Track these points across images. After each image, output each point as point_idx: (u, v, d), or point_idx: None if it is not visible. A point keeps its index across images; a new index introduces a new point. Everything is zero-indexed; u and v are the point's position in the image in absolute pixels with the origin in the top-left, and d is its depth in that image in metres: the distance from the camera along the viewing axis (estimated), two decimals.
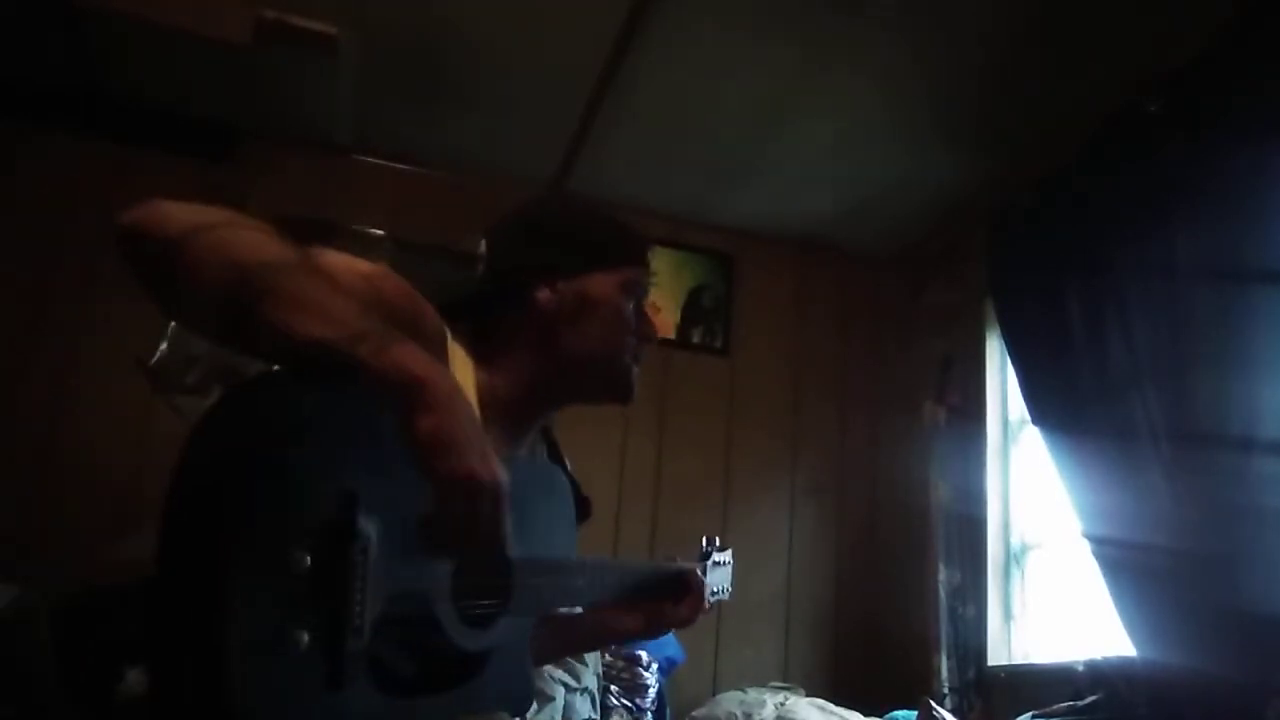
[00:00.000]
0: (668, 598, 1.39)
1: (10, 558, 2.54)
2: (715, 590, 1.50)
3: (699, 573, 1.43)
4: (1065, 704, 2.23)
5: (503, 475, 0.89)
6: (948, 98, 2.83)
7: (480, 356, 1.22)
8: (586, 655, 2.66)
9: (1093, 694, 2.19)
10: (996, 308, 3.01)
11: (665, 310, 3.57)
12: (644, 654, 2.81)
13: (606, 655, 2.77)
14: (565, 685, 2.59)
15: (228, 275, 0.85)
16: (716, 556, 1.52)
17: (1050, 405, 2.67)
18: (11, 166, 3.02)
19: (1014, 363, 2.87)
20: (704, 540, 1.53)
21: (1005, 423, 3.16)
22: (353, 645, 0.87)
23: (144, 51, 2.88)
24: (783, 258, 3.74)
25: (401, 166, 3.37)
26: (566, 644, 1.48)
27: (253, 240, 0.88)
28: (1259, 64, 2.19)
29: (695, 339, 3.58)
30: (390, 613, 0.92)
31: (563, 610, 1.35)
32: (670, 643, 2.94)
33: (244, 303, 0.85)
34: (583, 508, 1.34)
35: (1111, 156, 2.57)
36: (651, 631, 1.40)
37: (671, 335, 3.55)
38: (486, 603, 1.06)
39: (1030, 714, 2.25)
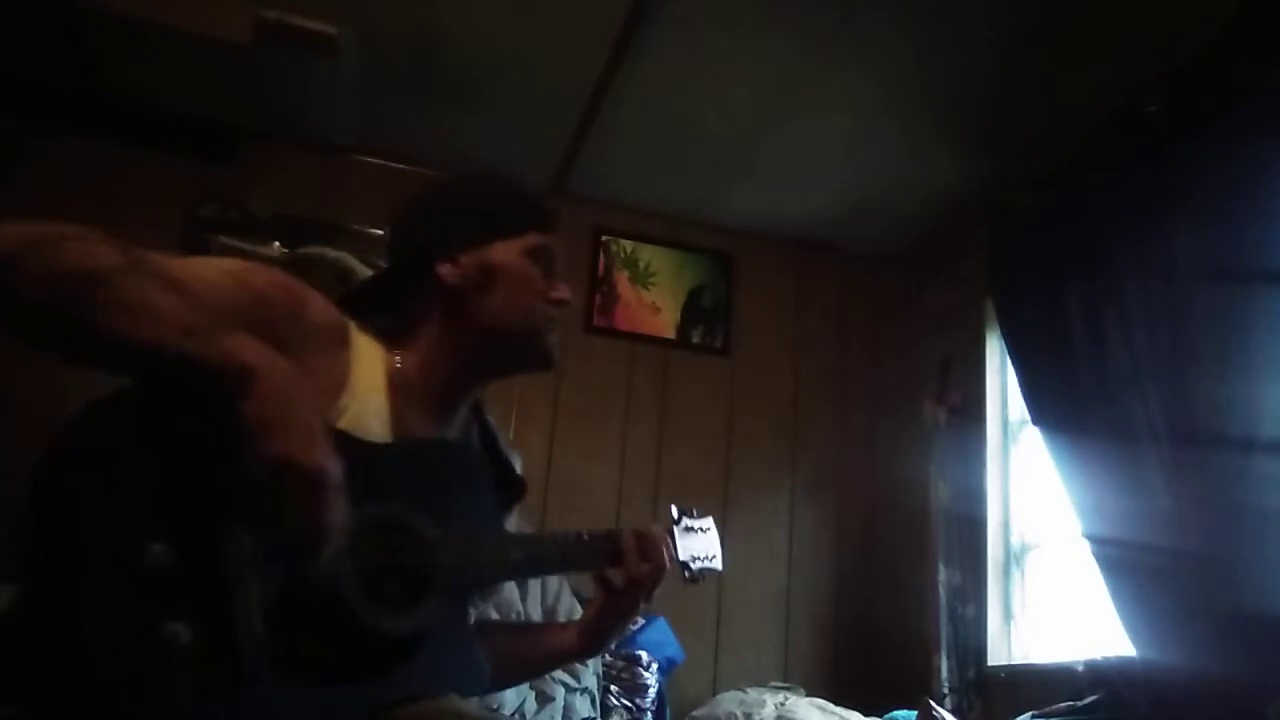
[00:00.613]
0: (607, 563, 1.28)
1: (10, 558, 2.53)
2: (696, 558, 1.42)
3: (655, 536, 1.30)
4: (1065, 704, 2.22)
5: (329, 463, 0.89)
6: (948, 98, 2.83)
7: (393, 343, 1.21)
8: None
9: (1093, 694, 2.19)
10: (996, 308, 3.01)
11: (665, 310, 3.57)
12: (644, 654, 2.81)
13: (606, 655, 2.77)
14: (565, 685, 2.59)
15: (56, 290, 0.86)
16: (689, 522, 1.45)
17: (1050, 405, 2.67)
18: (12, 166, 3.02)
19: (1014, 363, 2.87)
20: (673, 509, 1.45)
21: (1005, 423, 3.16)
22: (245, 633, 0.87)
23: (144, 51, 2.88)
24: (783, 257, 3.74)
25: (401, 166, 3.37)
26: (540, 654, 1.37)
27: (81, 252, 0.89)
28: (1259, 64, 2.19)
29: (695, 339, 3.58)
30: (289, 600, 0.91)
31: (504, 584, 1.31)
32: (670, 643, 2.94)
33: (73, 315, 0.87)
34: (516, 487, 1.33)
35: (1111, 156, 2.57)
36: (617, 600, 1.28)
37: (671, 335, 3.55)
38: (407, 583, 1.04)
39: (1030, 714, 2.24)
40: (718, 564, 1.47)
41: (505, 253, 1.24)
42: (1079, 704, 2.19)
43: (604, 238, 3.56)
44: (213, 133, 3.21)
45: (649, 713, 2.78)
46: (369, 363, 1.16)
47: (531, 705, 2.51)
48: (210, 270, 1.03)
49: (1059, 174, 2.76)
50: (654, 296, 3.56)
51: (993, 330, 3.15)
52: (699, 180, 3.40)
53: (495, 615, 2.40)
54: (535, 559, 1.25)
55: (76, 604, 0.82)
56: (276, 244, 3.02)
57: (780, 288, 3.72)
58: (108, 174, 3.07)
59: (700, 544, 1.45)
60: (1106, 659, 2.27)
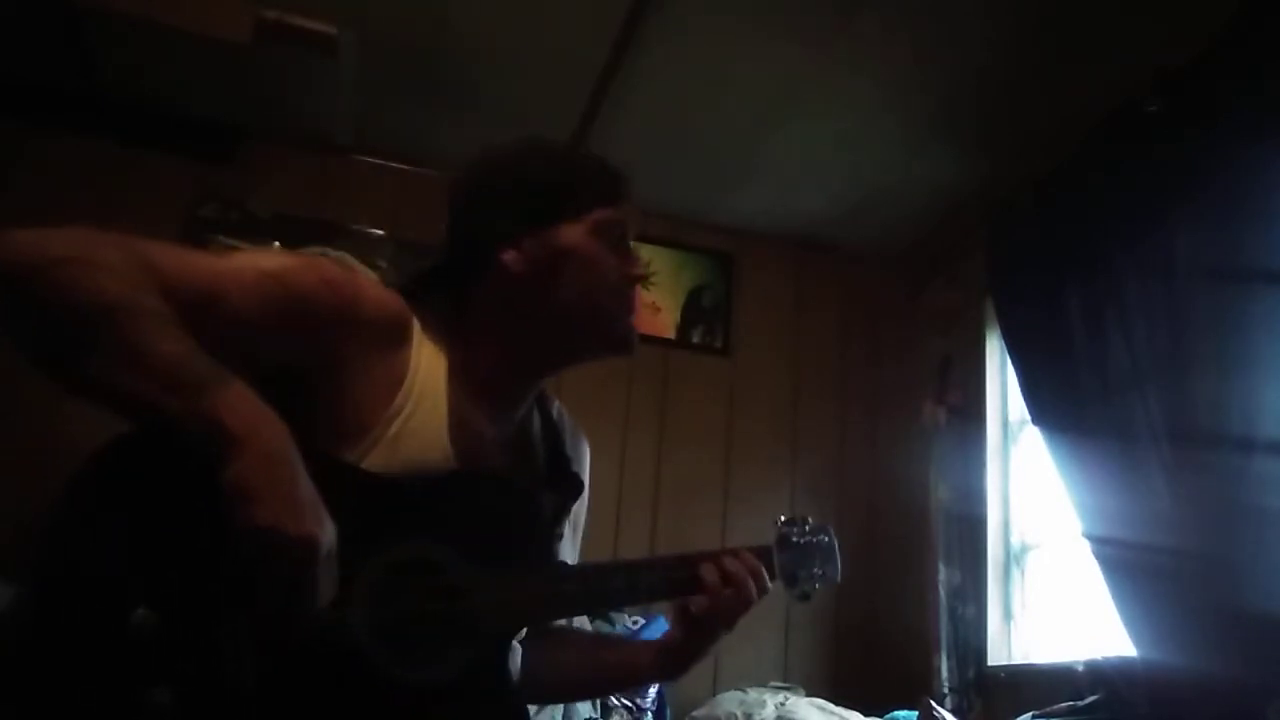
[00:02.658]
0: (684, 591, 1.15)
1: (10, 558, 2.53)
2: (802, 573, 1.27)
3: (742, 561, 1.17)
4: (1065, 704, 2.23)
5: (319, 531, 0.83)
6: (948, 98, 2.83)
7: (456, 335, 1.13)
8: None
9: (1093, 694, 2.19)
10: (996, 308, 3.01)
11: (665, 310, 3.57)
12: None
13: None
14: None
15: (54, 325, 0.83)
16: (796, 536, 1.29)
17: (1050, 405, 2.67)
18: (12, 166, 3.02)
19: (1014, 363, 2.87)
20: (780, 520, 1.29)
21: (1005, 423, 3.16)
22: (239, 691, 0.82)
23: (144, 51, 2.88)
24: (783, 257, 3.74)
25: (401, 166, 3.37)
26: (618, 671, 1.29)
27: (87, 282, 0.84)
28: (1259, 64, 2.19)
29: (695, 339, 3.58)
30: (295, 657, 0.86)
31: (560, 620, 1.20)
32: None
33: (68, 352, 0.83)
34: (570, 487, 1.23)
35: (1111, 156, 2.57)
36: (703, 632, 1.16)
37: (671, 335, 3.55)
38: (435, 630, 0.96)
39: (1030, 714, 2.24)
40: (834, 575, 1.30)
41: (573, 235, 1.14)
42: (1079, 704, 2.19)
43: None
44: (213, 133, 3.20)
45: (649, 713, 2.78)
46: (429, 358, 1.08)
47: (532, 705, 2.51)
48: (255, 274, 0.97)
49: (1059, 174, 2.76)
50: (654, 296, 3.55)
51: (993, 330, 3.15)
52: (699, 180, 3.39)
53: None
54: (597, 592, 1.13)
55: (56, 665, 0.79)
56: (276, 244, 3.02)
57: (780, 288, 3.72)
58: (108, 174, 3.07)
59: (811, 555, 1.29)
60: (1106, 659, 2.27)
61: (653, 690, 2.79)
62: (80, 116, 3.10)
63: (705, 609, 1.13)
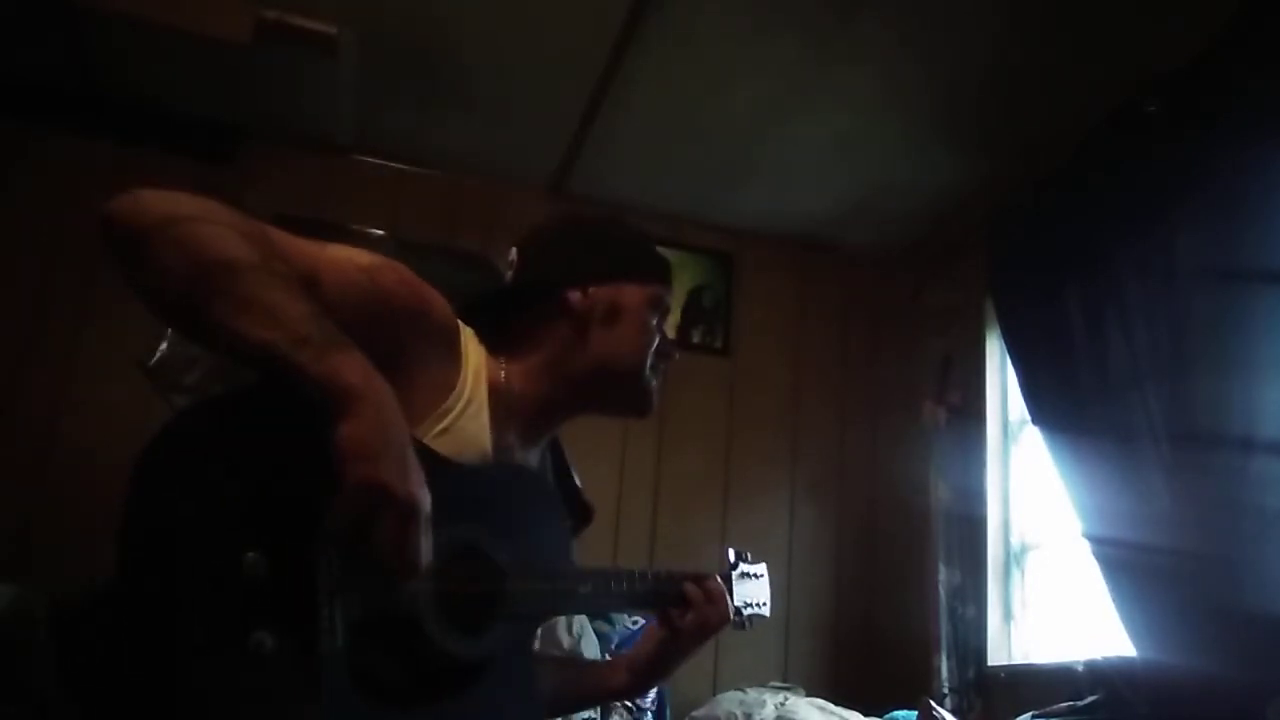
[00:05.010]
0: (684, 605, 1.29)
1: (10, 558, 2.54)
2: (748, 604, 1.43)
3: (721, 584, 1.33)
4: (1065, 704, 2.23)
5: (422, 495, 0.89)
6: (948, 98, 2.83)
7: (501, 355, 1.21)
8: (587, 652, 2.65)
9: (1093, 694, 2.19)
10: (996, 308, 3.01)
11: None
12: None
13: (606, 654, 2.77)
14: None
15: (186, 273, 0.88)
16: (744, 568, 1.44)
17: (1050, 405, 2.67)
18: (11, 166, 3.02)
19: (1014, 363, 2.87)
20: (730, 553, 1.45)
21: (1005, 423, 3.16)
22: (326, 646, 0.87)
23: (144, 51, 2.88)
24: (783, 257, 3.74)
25: (401, 166, 3.37)
26: (591, 691, 1.41)
27: (218, 238, 0.90)
28: (1259, 64, 2.19)
29: (695, 339, 3.58)
30: (369, 617, 0.91)
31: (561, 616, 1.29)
32: None
33: (197, 301, 0.88)
34: (583, 514, 1.33)
35: (1111, 156, 2.57)
36: (681, 643, 1.29)
37: (671, 335, 3.55)
38: (477, 608, 1.03)
39: (1030, 714, 2.25)
40: (766, 611, 1.46)
41: (633, 296, 1.27)
42: (1079, 704, 2.19)
43: None
44: (213, 133, 3.20)
45: (649, 713, 2.78)
46: (476, 369, 1.16)
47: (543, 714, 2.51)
48: (349, 265, 1.04)
49: (1059, 174, 2.76)
50: None
51: (993, 330, 3.15)
52: (699, 180, 3.39)
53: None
54: (602, 594, 1.25)
55: (167, 605, 0.83)
56: None
57: (780, 288, 3.72)
58: (108, 174, 3.07)
59: (752, 590, 1.45)
60: (1106, 659, 2.27)
61: (653, 691, 2.79)
62: (80, 116, 3.10)
63: (698, 626, 1.27)
